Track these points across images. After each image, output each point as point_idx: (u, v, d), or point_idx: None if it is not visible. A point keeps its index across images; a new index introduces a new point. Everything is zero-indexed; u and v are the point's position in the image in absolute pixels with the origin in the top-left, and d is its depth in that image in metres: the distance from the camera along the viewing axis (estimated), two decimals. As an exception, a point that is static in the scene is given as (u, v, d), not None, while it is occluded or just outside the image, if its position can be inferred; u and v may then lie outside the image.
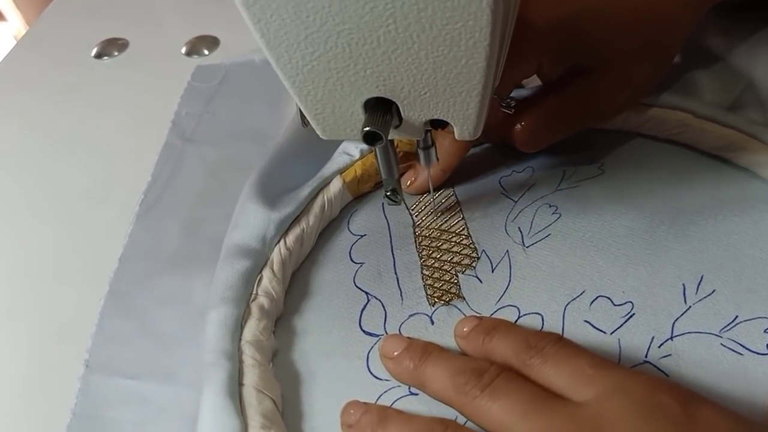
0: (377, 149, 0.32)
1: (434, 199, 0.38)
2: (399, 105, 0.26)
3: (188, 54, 0.55)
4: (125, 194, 0.42)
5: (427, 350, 0.29)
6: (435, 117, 0.27)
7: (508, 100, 0.34)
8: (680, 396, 0.24)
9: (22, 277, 0.40)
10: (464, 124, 0.27)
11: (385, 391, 0.30)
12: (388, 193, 0.34)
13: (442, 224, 0.37)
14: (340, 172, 0.38)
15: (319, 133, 0.29)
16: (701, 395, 0.24)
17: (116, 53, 0.57)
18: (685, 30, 0.36)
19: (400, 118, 0.27)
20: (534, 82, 0.37)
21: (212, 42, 0.56)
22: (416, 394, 0.30)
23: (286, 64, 0.24)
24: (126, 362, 0.33)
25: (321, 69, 0.25)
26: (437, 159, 0.34)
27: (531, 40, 0.32)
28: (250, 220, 0.35)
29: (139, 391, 0.32)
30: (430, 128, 0.28)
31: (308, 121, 0.28)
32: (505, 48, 0.28)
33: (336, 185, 0.38)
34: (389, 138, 0.28)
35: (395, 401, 0.30)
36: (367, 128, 0.25)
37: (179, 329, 0.34)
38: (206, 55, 0.55)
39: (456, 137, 0.28)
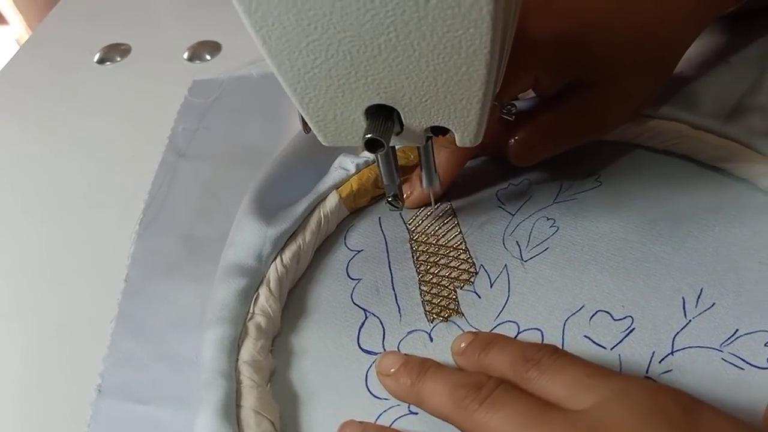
0: (378, 156, 0.32)
1: (431, 213, 0.38)
2: (400, 112, 0.26)
3: (190, 59, 0.56)
4: (125, 200, 0.42)
5: (424, 366, 0.29)
6: (436, 124, 0.27)
7: (509, 107, 0.34)
8: (681, 400, 0.23)
9: (18, 280, 0.39)
10: (465, 131, 0.27)
11: (385, 411, 0.30)
12: (390, 199, 0.34)
13: (439, 239, 0.36)
14: (336, 187, 0.38)
15: (320, 139, 0.29)
16: (702, 400, 0.24)
17: (118, 58, 0.57)
18: (686, 45, 0.36)
19: (402, 125, 0.27)
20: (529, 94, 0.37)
21: (214, 47, 0.56)
22: (416, 413, 0.29)
23: (288, 71, 0.25)
24: (139, 386, 0.32)
25: (322, 76, 0.25)
26: (438, 177, 0.34)
27: (530, 54, 0.32)
28: (246, 238, 0.35)
29: (152, 417, 0.31)
30: (431, 135, 0.28)
31: (310, 128, 0.28)
32: (505, 55, 0.28)
33: (332, 200, 0.37)
34: (390, 145, 0.28)
35: (395, 420, 0.29)
36: (369, 135, 0.26)
37: (191, 351, 0.33)
38: (208, 60, 0.55)
39: (457, 144, 0.28)
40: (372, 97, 0.25)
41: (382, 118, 0.26)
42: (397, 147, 0.38)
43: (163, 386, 0.32)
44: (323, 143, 0.29)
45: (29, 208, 0.44)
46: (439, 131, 0.27)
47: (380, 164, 0.32)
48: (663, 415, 0.23)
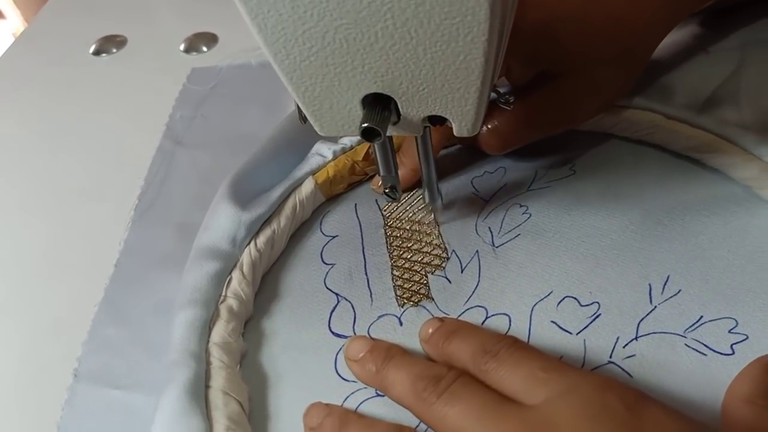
0: (375, 146, 0.32)
1: (406, 200, 0.38)
2: (397, 101, 0.26)
3: (186, 51, 0.56)
4: (122, 192, 0.42)
5: (389, 353, 0.29)
6: (433, 113, 0.27)
7: (507, 97, 0.34)
8: (627, 396, 0.24)
9: (16, 274, 0.40)
10: (462, 120, 0.27)
11: (352, 393, 0.30)
12: (387, 190, 0.34)
13: (413, 225, 0.37)
14: (313, 173, 0.38)
15: (317, 129, 0.29)
16: (650, 396, 0.24)
17: (114, 50, 0.57)
18: (658, 40, 0.36)
19: (399, 115, 0.27)
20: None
21: (210, 39, 0.56)
22: (383, 396, 0.30)
23: (284, 60, 0.24)
24: (115, 372, 0.33)
25: (318, 65, 0.24)
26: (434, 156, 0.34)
27: None
28: (221, 222, 0.35)
29: (125, 403, 0.31)
30: (428, 124, 0.28)
31: (306, 118, 0.28)
32: (503, 44, 0.28)
33: (308, 186, 0.38)
34: (387, 134, 0.28)
35: (361, 403, 0.30)
36: (366, 124, 0.25)
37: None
38: (204, 51, 0.55)
39: (454, 133, 0.28)
40: (369, 86, 0.25)
41: (379, 107, 0.26)
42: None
43: (139, 372, 0.32)
44: (320, 133, 0.29)
45: (26, 201, 0.44)
46: (437, 120, 0.27)
47: (377, 154, 0.32)
48: (609, 413, 0.23)
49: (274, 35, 0.23)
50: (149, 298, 0.36)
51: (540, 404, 0.24)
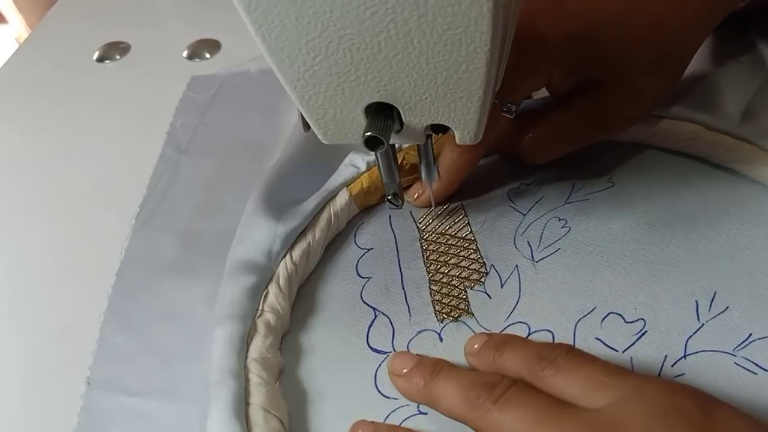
0: (378, 154, 0.32)
1: (442, 212, 0.38)
2: (400, 110, 0.26)
3: (190, 57, 0.55)
4: (127, 198, 0.42)
5: (437, 366, 0.29)
6: (436, 122, 0.27)
7: (509, 105, 0.34)
8: (698, 399, 0.23)
9: (22, 279, 0.39)
10: (465, 129, 0.27)
11: (394, 410, 0.30)
12: (390, 197, 0.34)
13: (450, 238, 0.36)
14: (347, 184, 0.38)
15: (320, 137, 0.29)
16: (719, 399, 0.24)
17: (118, 57, 0.57)
18: (698, 43, 0.35)
19: (402, 123, 0.27)
20: (541, 92, 0.37)
21: (214, 45, 0.56)
22: (425, 413, 0.29)
23: (288, 69, 0.25)
24: (128, 379, 0.33)
25: (322, 74, 0.25)
26: (438, 175, 0.34)
27: (542, 53, 0.31)
28: (256, 235, 0.35)
29: (141, 409, 0.31)
30: (431, 133, 0.28)
31: (310, 126, 0.28)
32: (505, 53, 0.28)
33: (342, 198, 0.37)
34: (390, 143, 0.28)
35: (404, 420, 0.29)
36: (369, 133, 0.26)
37: (180, 344, 0.34)
38: (208, 58, 0.55)
39: (457, 142, 0.28)
40: (372, 95, 0.25)
41: (382, 116, 0.26)
42: (404, 145, 0.38)
43: (152, 379, 0.32)
44: (323, 141, 0.29)
45: (31, 206, 0.44)
46: (439, 129, 0.27)
47: (380, 162, 0.32)
48: (679, 414, 0.22)
49: (278, 45, 0.23)
50: (153, 305, 0.36)
51: (603, 407, 0.23)
